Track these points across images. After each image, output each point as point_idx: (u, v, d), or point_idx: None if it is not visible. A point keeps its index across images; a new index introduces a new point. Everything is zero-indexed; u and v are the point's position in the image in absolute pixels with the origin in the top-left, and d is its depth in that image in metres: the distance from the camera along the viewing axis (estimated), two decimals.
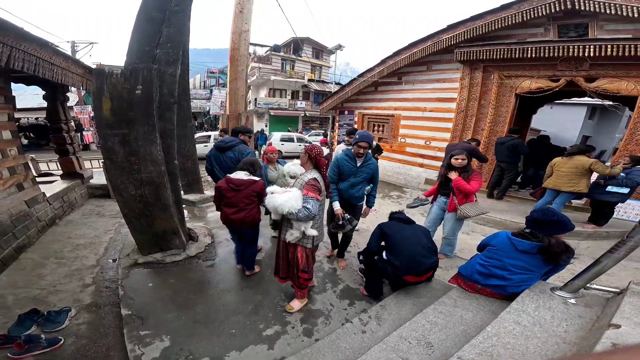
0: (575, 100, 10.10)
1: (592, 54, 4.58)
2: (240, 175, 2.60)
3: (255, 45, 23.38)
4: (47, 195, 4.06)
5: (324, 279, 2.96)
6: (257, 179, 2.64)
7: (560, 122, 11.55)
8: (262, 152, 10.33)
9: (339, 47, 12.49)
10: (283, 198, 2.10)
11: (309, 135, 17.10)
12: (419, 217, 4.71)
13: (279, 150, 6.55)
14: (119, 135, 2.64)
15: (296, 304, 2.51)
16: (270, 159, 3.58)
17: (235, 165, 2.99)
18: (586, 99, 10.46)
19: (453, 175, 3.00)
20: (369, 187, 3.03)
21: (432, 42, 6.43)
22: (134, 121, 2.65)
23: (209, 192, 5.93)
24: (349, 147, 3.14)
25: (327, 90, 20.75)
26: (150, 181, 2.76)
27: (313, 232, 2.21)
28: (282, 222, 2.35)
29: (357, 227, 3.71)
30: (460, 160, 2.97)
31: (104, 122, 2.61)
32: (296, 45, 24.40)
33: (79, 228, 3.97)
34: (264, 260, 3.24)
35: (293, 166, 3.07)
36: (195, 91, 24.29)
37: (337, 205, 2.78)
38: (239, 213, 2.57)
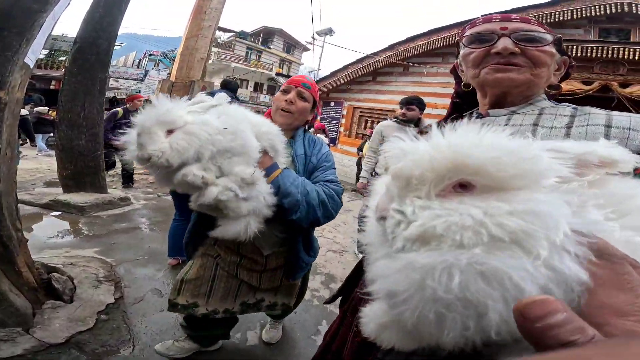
0: None
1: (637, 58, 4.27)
2: None
3: (218, 29, 20.57)
4: None
5: None
6: None
7: None
8: None
9: (330, 31, 10.61)
10: None
11: None
12: None
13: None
14: None
15: None
16: None
17: None
18: None
19: None
20: None
21: (458, 31, 5.42)
22: None
23: (119, 192, 3.56)
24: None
25: None
26: None
27: None
28: None
29: None
30: None
31: None
32: (266, 35, 22.28)
33: None
34: None
35: None
36: (125, 69, 18.67)
37: None
38: None
